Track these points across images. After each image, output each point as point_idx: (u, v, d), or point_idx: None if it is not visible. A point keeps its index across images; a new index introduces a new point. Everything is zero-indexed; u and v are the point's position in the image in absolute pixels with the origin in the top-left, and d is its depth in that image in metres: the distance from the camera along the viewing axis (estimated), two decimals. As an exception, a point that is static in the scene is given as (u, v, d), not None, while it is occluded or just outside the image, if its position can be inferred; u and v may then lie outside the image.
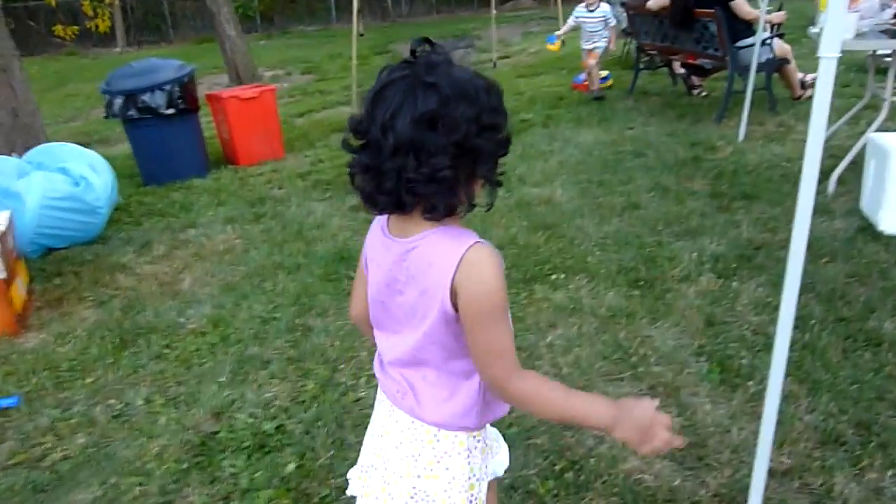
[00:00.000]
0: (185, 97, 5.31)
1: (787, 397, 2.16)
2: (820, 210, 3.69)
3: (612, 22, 7.18)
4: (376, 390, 1.29)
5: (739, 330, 2.65)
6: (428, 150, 0.98)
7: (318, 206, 4.57)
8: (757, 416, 1.82)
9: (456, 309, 1.06)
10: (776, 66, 5.73)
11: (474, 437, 1.23)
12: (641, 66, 7.29)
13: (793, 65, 5.90)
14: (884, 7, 3.88)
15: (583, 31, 7.28)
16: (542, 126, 6.09)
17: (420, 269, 1.08)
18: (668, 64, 7.22)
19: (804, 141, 1.39)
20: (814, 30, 3.98)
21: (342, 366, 2.64)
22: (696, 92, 6.82)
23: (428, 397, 1.19)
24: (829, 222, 3.54)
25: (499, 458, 1.39)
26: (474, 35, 15.34)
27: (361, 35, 13.64)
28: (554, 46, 8.13)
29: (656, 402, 1.09)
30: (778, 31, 5.77)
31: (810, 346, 2.46)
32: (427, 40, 1.06)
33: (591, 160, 4.93)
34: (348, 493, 1.35)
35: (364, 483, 1.31)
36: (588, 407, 1.09)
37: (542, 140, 5.61)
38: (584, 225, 3.75)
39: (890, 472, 1.89)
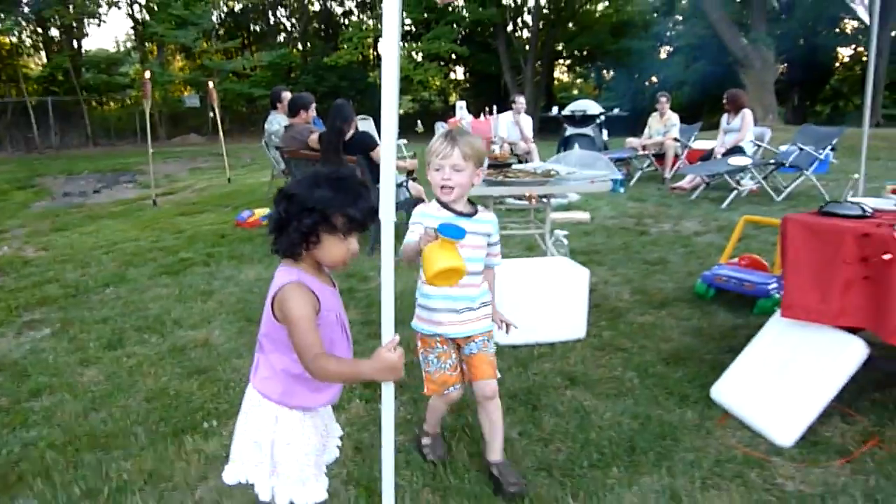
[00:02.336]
0: None
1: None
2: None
3: (497, 248, 2.65)
4: None
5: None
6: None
7: None
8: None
9: (277, 318, 1.77)
10: (413, 204, 6.62)
11: (290, 411, 1.83)
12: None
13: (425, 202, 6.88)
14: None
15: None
16: (203, 265, 5.98)
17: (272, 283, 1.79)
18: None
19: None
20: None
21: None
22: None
23: (260, 373, 1.86)
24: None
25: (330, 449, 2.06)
26: (137, 170, 14.63)
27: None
28: None
29: (395, 340, 1.74)
30: (412, 176, 6.73)
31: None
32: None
33: (252, 297, 4.96)
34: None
35: None
36: (355, 367, 1.77)
37: (202, 279, 5.49)
38: (241, 366, 3.71)
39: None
